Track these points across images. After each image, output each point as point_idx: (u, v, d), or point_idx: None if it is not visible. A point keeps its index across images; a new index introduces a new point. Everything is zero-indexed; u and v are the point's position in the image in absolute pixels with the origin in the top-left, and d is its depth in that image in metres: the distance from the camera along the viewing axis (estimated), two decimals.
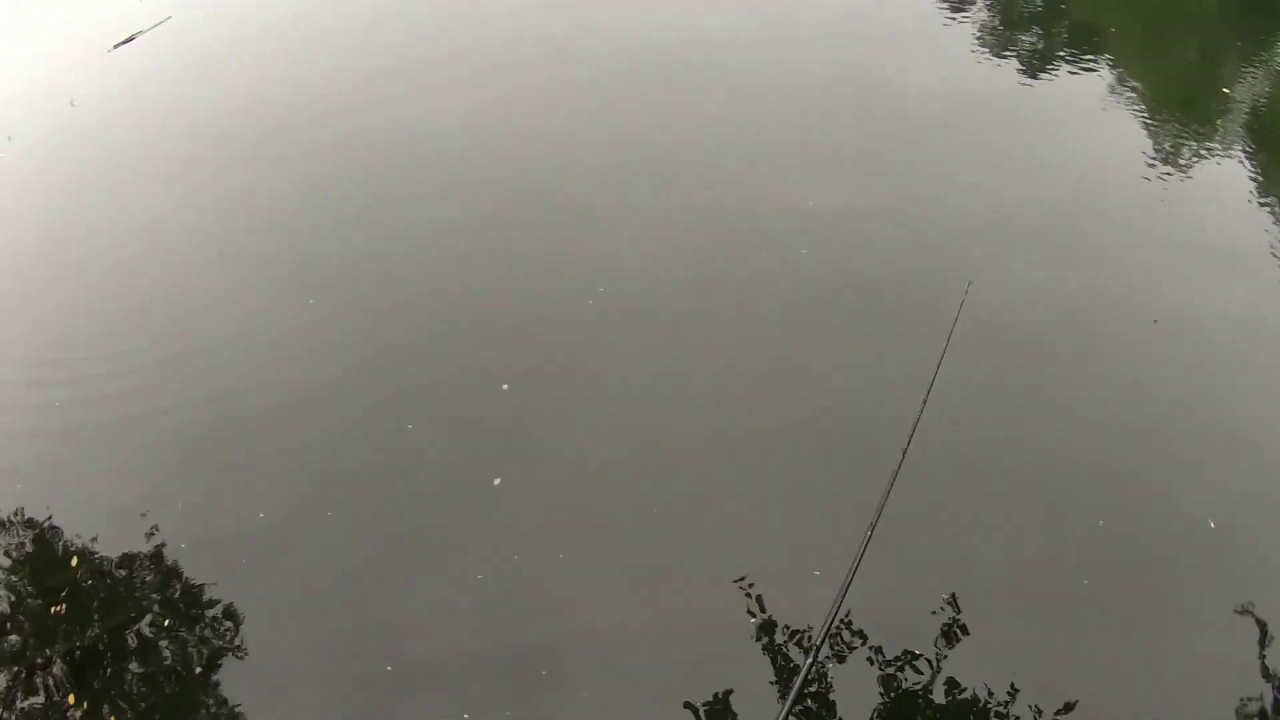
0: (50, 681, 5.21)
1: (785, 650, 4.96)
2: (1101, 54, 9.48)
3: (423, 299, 7.00)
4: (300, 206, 8.00)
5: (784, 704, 3.76)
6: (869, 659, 4.90)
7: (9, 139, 9.33)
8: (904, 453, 4.53)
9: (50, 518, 5.96)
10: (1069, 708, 4.65)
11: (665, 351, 6.49)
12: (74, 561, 5.71)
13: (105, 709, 5.04)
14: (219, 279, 7.35)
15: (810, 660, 3.84)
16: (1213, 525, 5.32)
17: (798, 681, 3.84)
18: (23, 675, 5.25)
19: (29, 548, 5.88)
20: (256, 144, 8.85)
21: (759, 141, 8.32)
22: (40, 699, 5.14)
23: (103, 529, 5.83)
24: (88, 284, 7.53)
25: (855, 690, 4.78)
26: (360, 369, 6.51)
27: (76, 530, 5.87)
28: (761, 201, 7.62)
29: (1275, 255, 7.06)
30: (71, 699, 5.08)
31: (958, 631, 4.95)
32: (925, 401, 4.83)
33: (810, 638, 4.95)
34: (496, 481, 5.68)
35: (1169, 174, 7.94)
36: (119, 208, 8.28)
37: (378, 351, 6.64)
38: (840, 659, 4.91)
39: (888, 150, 8.15)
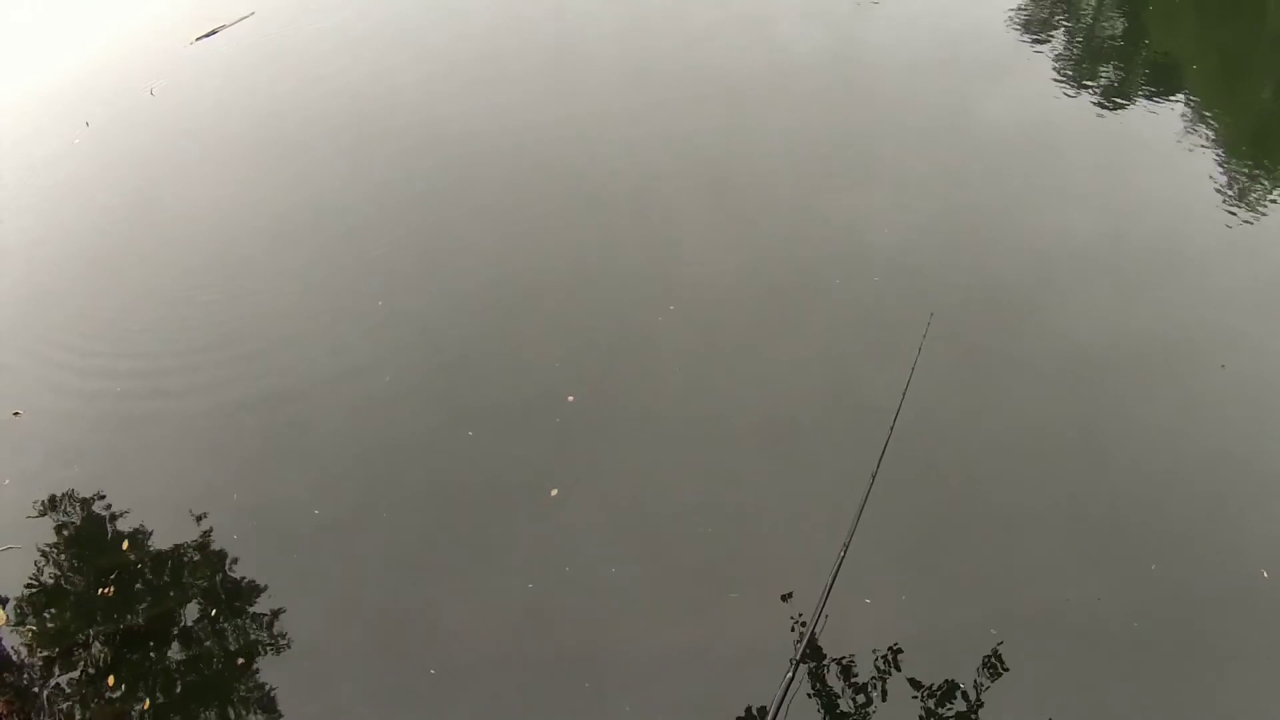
0: (91, 661, 5.21)
1: (824, 675, 4.87)
2: (1179, 90, 9.24)
3: (489, 304, 6.98)
4: (367, 204, 8.04)
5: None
6: (905, 687, 4.82)
7: (87, 124, 9.49)
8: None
9: (104, 501, 6.00)
10: None
11: (730, 370, 6.39)
12: (125, 545, 5.72)
13: (142, 692, 5.02)
14: (284, 273, 7.40)
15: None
16: (1265, 575, 5.15)
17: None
18: (67, 653, 5.26)
19: (82, 528, 5.90)
20: (328, 139, 8.92)
21: (833, 165, 8.19)
22: (78, 676, 5.15)
23: (156, 517, 5.87)
24: (153, 272, 7.62)
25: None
26: (424, 372, 6.48)
27: (129, 516, 5.90)
28: (832, 225, 7.49)
29: None
30: (110, 680, 5.06)
31: (998, 665, 4.86)
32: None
33: (850, 661, 4.87)
34: (554, 493, 5.61)
35: (1240, 213, 7.66)
36: (189, 196, 8.41)
37: (443, 355, 6.61)
38: (873, 685, 4.81)
39: (958, 178, 8.00)
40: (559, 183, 8.06)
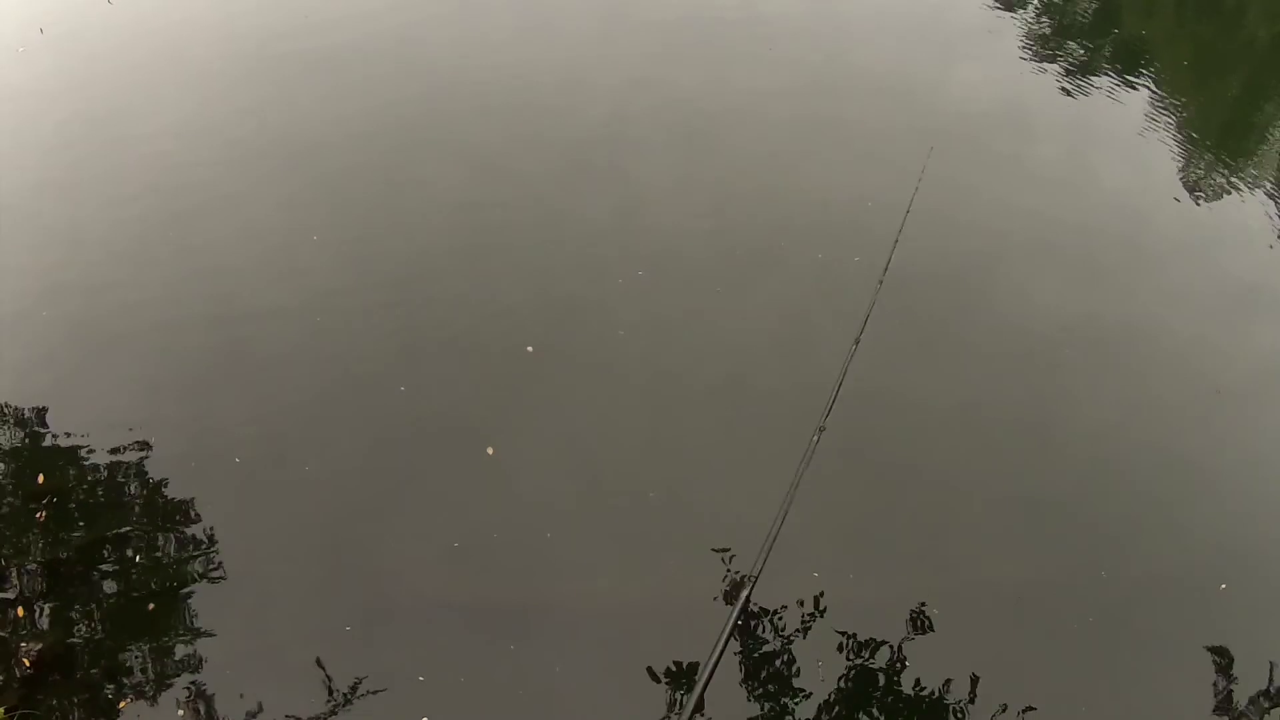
0: (19, 586, 5.10)
1: (757, 630, 4.97)
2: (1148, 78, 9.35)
3: (451, 245, 6.88)
4: (331, 133, 7.83)
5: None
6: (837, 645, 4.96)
7: (40, 30, 9.10)
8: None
9: (47, 416, 5.83)
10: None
11: (687, 329, 6.41)
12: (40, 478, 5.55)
13: (74, 617, 4.94)
14: (240, 196, 7.17)
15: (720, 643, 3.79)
16: (1224, 587, 5.30)
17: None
18: None
19: (21, 445, 5.75)
20: (296, 59, 8.62)
21: (800, 129, 8.17)
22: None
23: (98, 437, 5.70)
24: (106, 188, 7.32)
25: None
26: (380, 307, 6.37)
27: (72, 434, 5.74)
28: (792, 189, 7.49)
29: None
30: (19, 612, 4.95)
31: (929, 631, 5.02)
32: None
33: (783, 623, 4.98)
34: (490, 451, 5.58)
35: (1201, 205, 7.92)
36: (146, 109, 8.06)
37: (400, 292, 6.50)
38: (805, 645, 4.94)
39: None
40: (529, 125, 7.93)
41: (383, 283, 6.55)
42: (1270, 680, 4.98)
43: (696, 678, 4.53)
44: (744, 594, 4.74)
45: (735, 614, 4.65)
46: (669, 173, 7.50)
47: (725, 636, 3.57)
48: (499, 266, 6.70)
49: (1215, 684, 4.97)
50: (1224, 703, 4.92)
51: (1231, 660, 5.02)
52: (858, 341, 5.64)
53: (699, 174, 7.57)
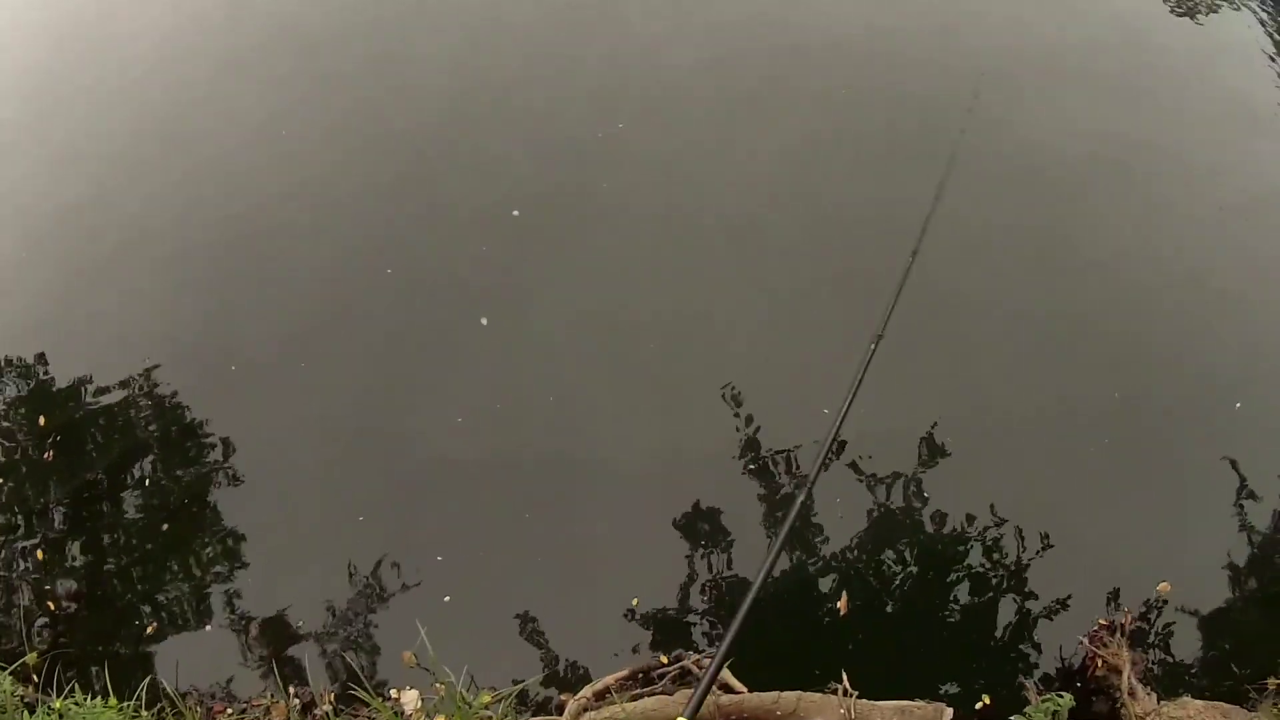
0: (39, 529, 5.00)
1: (780, 473, 4.85)
2: None
3: (447, 106, 6.55)
4: (315, 6, 7.46)
5: (776, 536, 3.58)
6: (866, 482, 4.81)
7: None
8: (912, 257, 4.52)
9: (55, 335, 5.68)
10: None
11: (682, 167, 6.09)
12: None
13: (95, 550, 4.83)
14: (232, 95, 6.79)
15: (802, 496, 3.66)
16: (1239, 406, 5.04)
17: (791, 514, 3.56)
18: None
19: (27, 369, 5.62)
20: None
21: None
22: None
23: (103, 352, 5.54)
24: (99, 100, 6.99)
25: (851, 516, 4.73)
26: (381, 178, 6.12)
27: (82, 352, 5.59)
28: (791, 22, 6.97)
29: None
30: (40, 554, 4.83)
31: (949, 462, 4.85)
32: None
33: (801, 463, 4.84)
34: (484, 321, 5.36)
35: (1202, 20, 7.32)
36: (132, 20, 7.64)
37: (399, 162, 6.22)
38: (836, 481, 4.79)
39: None
40: None
41: (382, 155, 6.29)
42: None
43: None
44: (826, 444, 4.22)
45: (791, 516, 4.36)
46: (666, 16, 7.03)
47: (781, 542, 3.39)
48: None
49: (1232, 501, 4.76)
50: (1239, 523, 4.71)
51: (1245, 479, 4.79)
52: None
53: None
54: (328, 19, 7.30)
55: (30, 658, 4.26)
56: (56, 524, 4.98)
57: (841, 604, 4.41)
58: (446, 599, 4.45)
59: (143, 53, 7.21)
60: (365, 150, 6.30)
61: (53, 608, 4.64)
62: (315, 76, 6.82)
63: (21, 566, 4.82)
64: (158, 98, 6.86)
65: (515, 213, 5.77)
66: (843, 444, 4.78)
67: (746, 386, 5.07)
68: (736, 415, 4.99)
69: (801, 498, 3.65)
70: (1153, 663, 4.28)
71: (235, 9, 7.50)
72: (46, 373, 5.57)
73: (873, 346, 4.09)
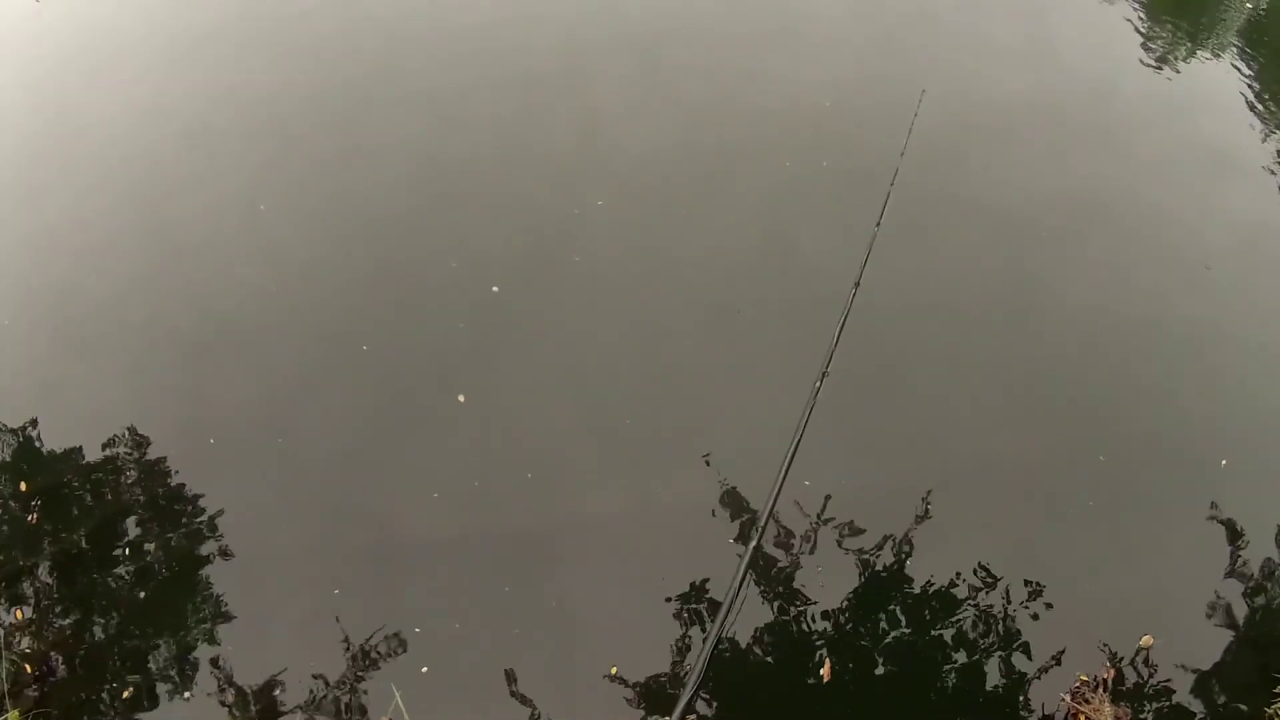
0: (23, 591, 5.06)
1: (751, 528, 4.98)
2: None
3: (417, 188, 6.75)
4: (290, 94, 7.59)
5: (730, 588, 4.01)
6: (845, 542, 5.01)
7: None
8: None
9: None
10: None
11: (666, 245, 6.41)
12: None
13: (78, 613, 4.91)
14: (202, 165, 6.98)
15: (751, 546, 4.03)
16: (1224, 464, 5.34)
17: (739, 570, 3.87)
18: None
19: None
20: (249, 24, 8.32)
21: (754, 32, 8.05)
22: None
23: (85, 426, 5.64)
24: (69, 168, 7.15)
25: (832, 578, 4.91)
26: (355, 264, 6.30)
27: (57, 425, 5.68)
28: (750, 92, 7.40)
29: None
30: (18, 614, 4.91)
31: (930, 518, 5.05)
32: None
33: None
34: (461, 399, 5.53)
35: (1169, 71, 7.91)
36: (103, 90, 7.81)
37: (374, 248, 6.40)
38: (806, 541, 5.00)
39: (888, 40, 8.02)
40: (481, 68, 7.71)
41: (355, 239, 6.47)
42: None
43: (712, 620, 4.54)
44: (769, 501, 4.68)
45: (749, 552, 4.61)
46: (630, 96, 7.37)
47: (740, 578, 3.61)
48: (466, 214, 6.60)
49: (1220, 558, 5.00)
50: (1222, 574, 4.94)
51: (1239, 534, 5.06)
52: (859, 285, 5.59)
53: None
54: (307, 106, 7.48)
55: (12, 716, 4.34)
56: (41, 586, 5.06)
57: (825, 670, 4.55)
58: (424, 670, 4.56)
59: (121, 134, 7.38)
60: (341, 230, 6.48)
61: (29, 669, 4.69)
62: (294, 160, 7.01)
63: (6, 623, 4.89)
64: (139, 177, 7.00)
65: (495, 289, 6.00)
66: (824, 516, 5.03)
67: (716, 446, 5.28)
68: (707, 472, 5.19)
69: (750, 549, 3.93)
70: (1137, 717, 4.39)
71: (213, 99, 7.64)
72: (34, 439, 5.68)
73: (818, 384, 4.41)
